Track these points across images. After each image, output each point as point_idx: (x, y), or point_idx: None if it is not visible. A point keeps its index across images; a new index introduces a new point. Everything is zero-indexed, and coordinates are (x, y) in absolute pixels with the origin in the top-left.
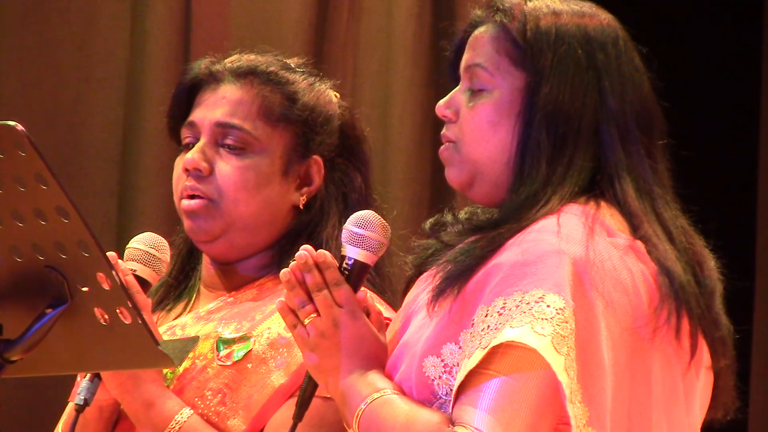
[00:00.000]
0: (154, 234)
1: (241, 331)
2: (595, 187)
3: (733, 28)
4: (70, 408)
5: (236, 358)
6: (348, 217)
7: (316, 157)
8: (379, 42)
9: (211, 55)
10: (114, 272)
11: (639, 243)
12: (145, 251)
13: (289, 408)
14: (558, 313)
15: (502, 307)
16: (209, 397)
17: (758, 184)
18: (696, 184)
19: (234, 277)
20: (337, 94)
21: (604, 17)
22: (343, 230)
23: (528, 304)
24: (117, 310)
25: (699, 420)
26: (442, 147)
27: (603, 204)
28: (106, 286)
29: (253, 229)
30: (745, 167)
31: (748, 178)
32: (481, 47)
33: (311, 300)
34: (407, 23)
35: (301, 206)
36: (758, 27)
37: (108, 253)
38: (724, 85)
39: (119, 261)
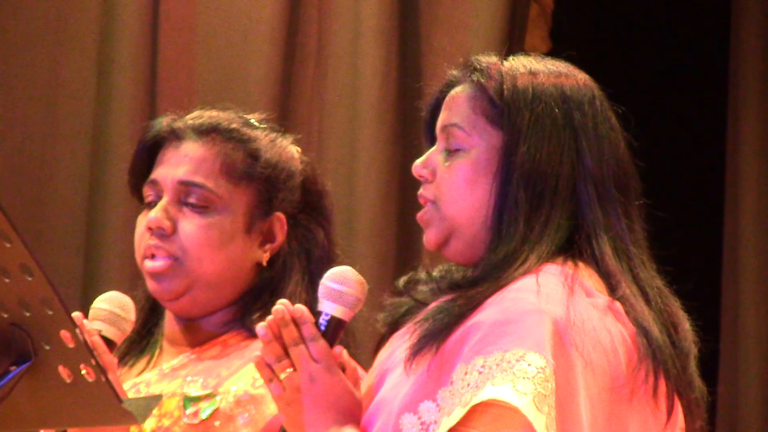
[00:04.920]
0: (118, 293)
1: (207, 389)
2: (573, 245)
3: (702, 91)
4: None
5: (203, 417)
6: (311, 273)
7: (278, 213)
8: (344, 98)
9: (176, 111)
10: (78, 330)
11: (617, 303)
12: (110, 311)
13: None
14: (539, 372)
15: (482, 366)
16: None
17: (723, 245)
18: (671, 245)
19: (197, 333)
20: (299, 149)
21: (581, 77)
22: (321, 285)
23: (509, 362)
24: (81, 368)
25: None
26: (422, 210)
27: (581, 264)
28: (70, 344)
29: (217, 286)
30: (712, 229)
31: (715, 241)
32: (457, 107)
33: (287, 355)
34: (373, 80)
35: (264, 263)
36: (724, 90)
37: (73, 314)
38: (694, 145)
39: (85, 321)
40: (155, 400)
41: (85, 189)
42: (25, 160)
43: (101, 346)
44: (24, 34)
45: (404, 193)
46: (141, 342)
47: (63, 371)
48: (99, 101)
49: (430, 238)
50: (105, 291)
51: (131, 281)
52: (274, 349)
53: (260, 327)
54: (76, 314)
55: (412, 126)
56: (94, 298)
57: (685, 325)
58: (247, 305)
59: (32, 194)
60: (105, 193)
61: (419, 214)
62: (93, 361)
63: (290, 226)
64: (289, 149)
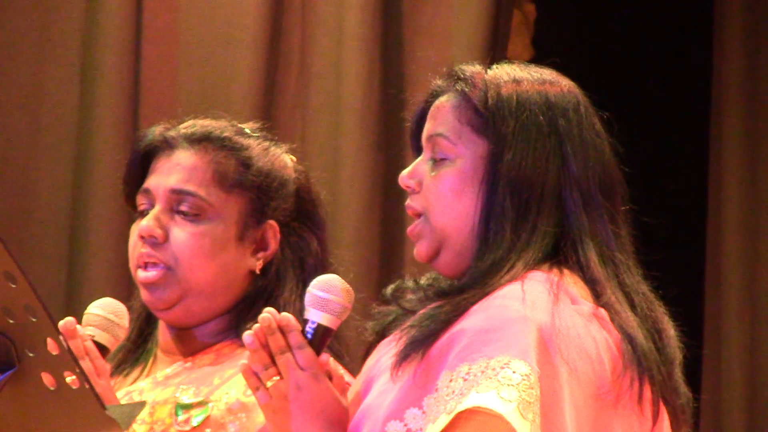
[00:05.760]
0: (112, 299)
1: (199, 396)
2: (559, 252)
3: (685, 96)
4: None
5: (194, 424)
6: (305, 282)
7: (271, 221)
8: (327, 106)
9: (161, 119)
10: (61, 337)
11: (602, 310)
12: (104, 317)
13: None
14: (524, 379)
15: (467, 373)
16: None
17: (706, 250)
18: (657, 251)
19: (191, 342)
20: (293, 158)
21: (565, 84)
22: (307, 293)
23: (494, 369)
24: (64, 375)
25: None
26: (413, 225)
27: (566, 271)
28: (54, 352)
29: (210, 295)
30: (697, 235)
31: (699, 247)
32: (442, 117)
33: (274, 363)
34: (356, 88)
35: (257, 271)
36: (707, 94)
37: (67, 319)
38: (678, 150)
39: (78, 327)
40: (139, 406)
41: (68, 197)
42: (8, 169)
43: (93, 352)
44: (7, 42)
45: (388, 201)
46: (137, 351)
47: (47, 378)
48: (82, 109)
49: (421, 250)
50: (88, 299)
51: (115, 289)
52: (260, 358)
53: (247, 335)
54: (70, 320)
55: (395, 134)
56: (78, 306)
57: (670, 331)
58: (240, 314)
59: (15, 202)
60: (88, 202)
61: (410, 229)
62: (77, 369)
63: (283, 235)
64: (282, 158)
